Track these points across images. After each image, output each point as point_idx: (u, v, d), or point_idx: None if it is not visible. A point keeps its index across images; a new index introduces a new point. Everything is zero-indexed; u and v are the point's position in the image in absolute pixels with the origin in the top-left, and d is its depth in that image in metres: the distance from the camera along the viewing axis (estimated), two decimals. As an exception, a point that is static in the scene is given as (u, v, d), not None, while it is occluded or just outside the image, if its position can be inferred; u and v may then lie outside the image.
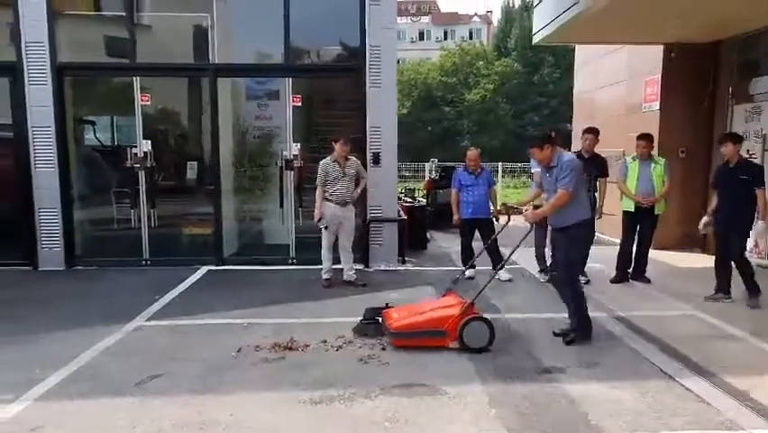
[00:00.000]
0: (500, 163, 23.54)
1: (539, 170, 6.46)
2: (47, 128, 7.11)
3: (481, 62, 41.73)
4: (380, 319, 4.73)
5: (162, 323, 5.21)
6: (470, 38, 50.77)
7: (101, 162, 8.94)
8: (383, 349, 4.44)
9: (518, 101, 40.72)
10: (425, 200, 11.66)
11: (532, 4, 39.12)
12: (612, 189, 6.81)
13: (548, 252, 6.84)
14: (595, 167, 6.66)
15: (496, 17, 50.59)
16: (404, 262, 7.76)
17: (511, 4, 44.34)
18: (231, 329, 5.01)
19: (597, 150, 6.74)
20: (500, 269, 5.61)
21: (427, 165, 17.80)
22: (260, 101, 8.43)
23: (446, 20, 54.34)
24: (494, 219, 6.98)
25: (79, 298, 6.12)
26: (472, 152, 7.00)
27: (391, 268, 7.55)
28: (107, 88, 8.37)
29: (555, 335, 4.72)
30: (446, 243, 9.81)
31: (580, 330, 4.61)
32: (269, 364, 4.20)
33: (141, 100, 7.29)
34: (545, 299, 6.06)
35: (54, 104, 7.09)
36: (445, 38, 50.79)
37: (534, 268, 7.10)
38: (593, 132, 6.67)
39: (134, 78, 7.27)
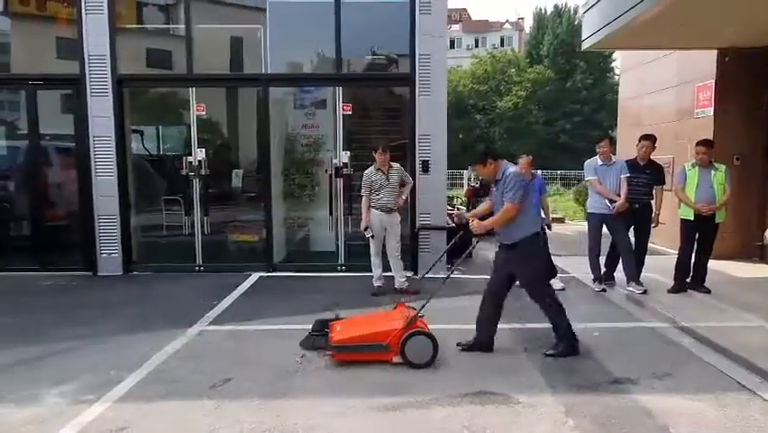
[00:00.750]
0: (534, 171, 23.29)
1: (595, 177, 6.44)
2: (107, 138, 7.34)
3: (513, 69, 41.52)
4: (327, 332, 4.53)
5: (224, 328, 5.31)
6: (502, 45, 50.61)
7: (152, 171, 9.22)
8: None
9: (551, 108, 40.34)
10: (464, 208, 11.60)
11: (565, 10, 38.14)
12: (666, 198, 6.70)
13: (603, 260, 6.78)
14: (651, 174, 6.57)
15: (527, 24, 50.24)
16: (453, 271, 7.72)
17: (543, 11, 44.08)
18: (291, 335, 5.04)
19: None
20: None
21: (465, 173, 17.72)
22: (307, 110, 8.56)
23: (477, 27, 54.26)
24: (546, 227, 6.94)
25: (139, 302, 6.28)
26: (523, 160, 6.93)
27: (441, 276, 7.51)
28: (162, 99, 8.61)
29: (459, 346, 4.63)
30: (490, 252, 9.74)
31: (563, 342, 4.49)
32: (335, 371, 4.24)
33: (197, 110, 7.47)
34: (602, 307, 5.97)
35: (114, 114, 7.31)
36: (476, 45, 50.67)
37: (583, 276, 7.01)
38: (649, 138, 6.56)
39: (190, 89, 7.45)
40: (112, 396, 3.77)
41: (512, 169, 4.46)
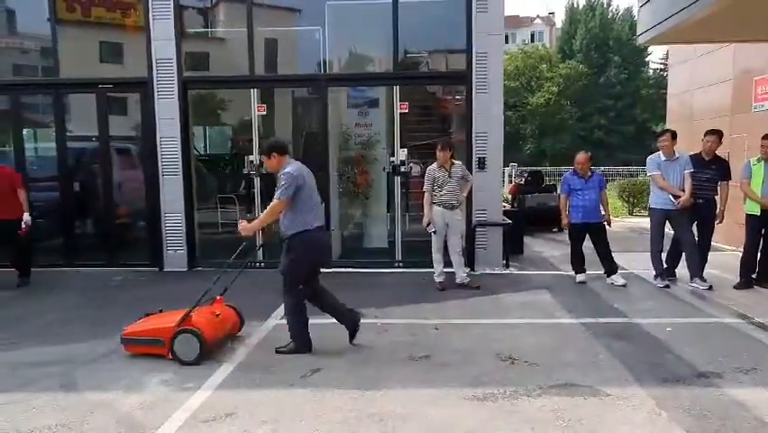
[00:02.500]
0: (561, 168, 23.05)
1: (659, 173, 6.43)
2: (173, 138, 7.61)
3: (545, 65, 41.09)
4: None
5: (300, 321, 5.46)
6: (532, 41, 50.13)
7: (209, 170, 9.50)
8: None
9: (584, 104, 39.81)
10: (508, 205, 11.65)
11: (598, 4, 37.14)
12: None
13: (664, 256, 6.76)
14: (717, 170, 6.52)
15: (559, 19, 49.63)
16: (508, 266, 7.80)
17: (576, 5, 43.44)
18: (364, 328, 5.15)
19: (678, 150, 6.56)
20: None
21: (506, 169, 17.74)
22: (360, 109, 8.70)
23: (507, 23, 53.63)
24: (606, 224, 6.95)
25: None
26: (581, 156, 6.95)
27: (496, 272, 7.61)
28: (223, 100, 8.88)
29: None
30: (539, 247, 9.79)
31: (295, 341, 4.59)
32: (417, 362, 4.36)
33: (258, 110, 7.67)
34: (669, 303, 5.97)
35: (179, 116, 7.56)
36: (506, 41, 50.22)
37: (641, 272, 7.01)
38: (716, 134, 6.51)
39: (251, 90, 7.66)
40: (211, 384, 3.96)
41: (290, 168, 4.48)
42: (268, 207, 4.58)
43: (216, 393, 3.82)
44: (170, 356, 4.33)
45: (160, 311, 4.77)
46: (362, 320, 5.35)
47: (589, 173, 6.89)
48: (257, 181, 7.81)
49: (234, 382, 4.00)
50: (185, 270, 7.79)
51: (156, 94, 7.53)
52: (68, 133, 8.01)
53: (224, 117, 10.10)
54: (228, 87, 8.10)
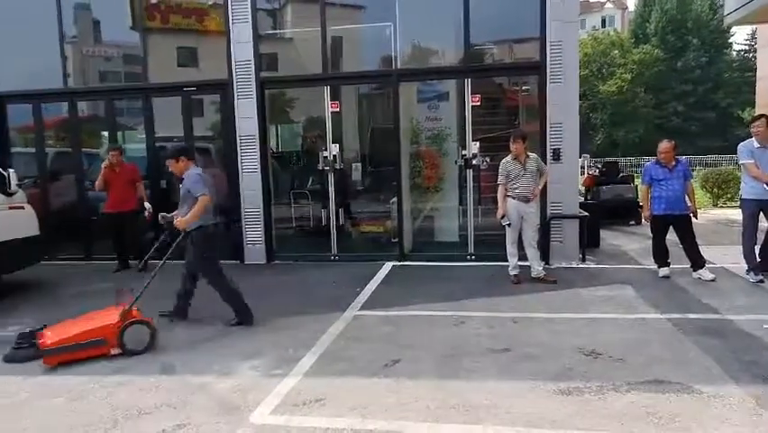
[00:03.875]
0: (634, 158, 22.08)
1: (751, 161, 6.07)
2: (252, 136, 7.93)
3: (616, 51, 39.38)
4: (35, 342, 4.50)
5: (376, 313, 5.59)
6: (603, 26, 48.12)
7: (282, 166, 9.83)
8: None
9: (660, 90, 37.88)
10: (582, 198, 11.30)
11: None
12: None
13: (758, 249, 6.37)
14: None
15: (631, 2, 47.34)
16: (584, 260, 7.59)
17: (650, -13, 41.29)
18: (441, 320, 5.25)
19: None
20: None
21: (579, 161, 17.18)
22: (430, 103, 8.72)
23: (575, 9, 51.83)
24: (692, 215, 6.63)
25: (289, 289, 6.75)
26: (665, 144, 6.64)
27: (573, 265, 7.43)
28: (295, 98, 9.16)
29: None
30: (617, 241, 9.45)
31: (240, 315, 5.23)
32: (497, 355, 4.36)
33: (331, 107, 7.86)
34: (763, 298, 5.64)
35: (258, 114, 7.87)
36: (575, 28, 48.49)
37: (731, 266, 6.64)
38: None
39: (325, 87, 7.85)
40: (298, 371, 4.14)
41: (197, 170, 5.25)
42: (196, 206, 5.01)
43: (304, 380, 3.98)
44: (115, 351, 4.49)
45: (44, 326, 4.75)
46: (440, 312, 5.46)
47: (674, 162, 6.58)
48: (331, 176, 8.00)
49: (320, 371, 4.15)
50: (263, 263, 8.11)
51: (236, 94, 7.87)
52: (155, 135, 8.51)
53: (297, 115, 10.40)
54: (303, 85, 8.33)
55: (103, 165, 7.57)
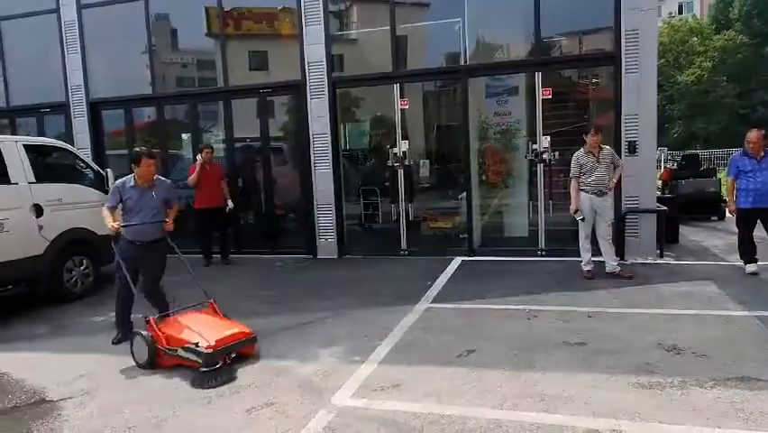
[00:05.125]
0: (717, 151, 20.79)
1: None
2: (324, 135, 8.20)
3: (696, 38, 37.19)
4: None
5: (448, 306, 5.66)
6: (680, 13, 45.56)
7: (351, 163, 10.07)
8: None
9: (744, 79, 35.41)
10: (659, 192, 10.85)
11: None
12: None
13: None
14: None
15: (712, -14, 44.51)
16: (662, 256, 7.33)
17: (734, -32, 38.69)
18: (513, 314, 5.26)
19: None
20: None
21: (656, 153, 16.50)
22: (499, 98, 8.66)
23: (649, -4, 49.36)
24: (782, 209, 6.26)
25: (362, 282, 6.93)
26: (754, 134, 6.30)
27: (650, 261, 7.19)
28: (364, 97, 9.39)
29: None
30: (697, 237, 9.04)
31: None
32: (573, 348, 4.33)
33: (401, 104, 7.99)
34: None
35: (329, 113, 8.13)
36: (650, 16, 46.23)
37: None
38: None
39: (395, 85, 7.99)
40: (374, 359, 4.29)
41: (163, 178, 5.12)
42: (173, 210, 5.12)
43: (381, 367, 4.13)
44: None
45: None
46: (511, 306, 5.47)
47: (762, 153, 6.24)
48: (400, 173, 8.13)
49: (396, 359, 4.29)
50: (335, 257, 8.37)
51: (309, 94, 8.16)
52: (234, 135, 8.97)
53: (364, 113, 10.60)
54: (373, 83, 8.49)
55: (197, 163, 7.99)
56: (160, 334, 4.33)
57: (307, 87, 8.15)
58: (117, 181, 5.06)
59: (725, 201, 6.83)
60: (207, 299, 4.86)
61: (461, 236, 8.19)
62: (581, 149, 6.45)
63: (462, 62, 7.86)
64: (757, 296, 5.47)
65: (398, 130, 8.07)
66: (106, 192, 7.10)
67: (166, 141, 9.56)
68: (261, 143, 8.95)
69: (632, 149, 7.17)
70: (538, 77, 7.48)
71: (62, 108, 9.60)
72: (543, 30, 7.45)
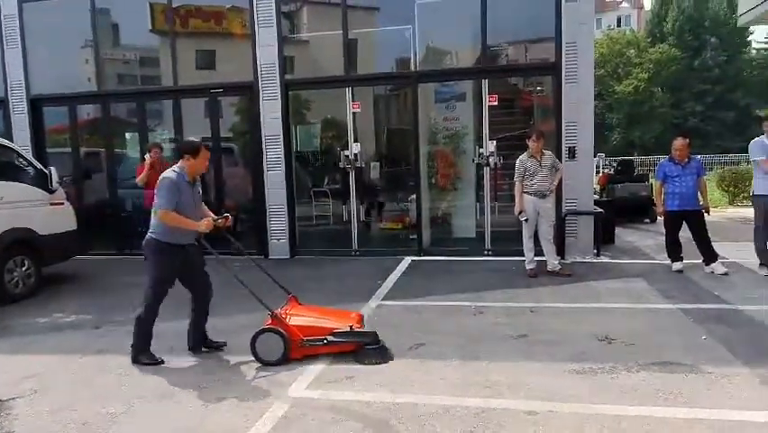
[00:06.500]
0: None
1: (764, 157, 6.25)
2: (276, 137, 8.26)
3: (633, 50, 39.26)
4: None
5: (397, 303, 5.86)
6: (619, 25, 47.93)
7: (306, 165, 10.16)
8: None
9: (677, 90, 37.65)
10: (597, 196, 11.47)
11: None
12: None
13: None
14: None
15: (647, 1, 47.07)
16: (599, 255, 7.80)
17: (667, -15, 41.04)
18: (461, 310, 5.50)
19: None
20: None
21: (594, 160, 17.33)
22: (448, 103, 8.98)
23: (591, 9, 51.62)
24: (704, 211, 6.80)
25: (314, 281, 7.01)
26: (679, 141, 6.83)
27: (587, 260, 7.63)
28: (315, 100, 9.50)
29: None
30: (631, 237, 9.62)
31: (139, 361, 4.31)
32: (516, 340, 4.60)
33: (353, 107, 8.15)
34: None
35: (282, 115, 8.19)
36: (590, 28, 48.31)
37: (744, 261, 6.81)
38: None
39: (347, 89, 8.15)
40: (327, 356, 4.41)
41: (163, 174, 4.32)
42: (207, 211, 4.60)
43: (335, 360, 4.25)
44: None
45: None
46: (459, 303, 5.71)
47: (687, 159, 6.77)
48: (352, 174, 8.29)
49: (349, 355, 4.41)
50: (287, 257, 8.43)
51: (261, 96, 8.20)
52: (184, 135, 8.86)
53: (316, 116, 10.69)
54: (326, 86, 8.64)
55: (145, 163, 7.86)
56: (292, 327, 4.25)
57: (260, 88, 8.19)
58: (170, 177, 4.22)
59: (656, 204, 7.33)
60: (288, 294, 4.73)
61: (411, 237, 8.43)
62: (525, 153, 6.80)
63: (413, 68, 8.11)
64: (681, 291, 5.94)
65: (350, 132, 8.23)
66: (50, 191, 6.94)
67: (111, 139, 9.34)
68: (212, 144, 8.87)
69: (572, 154, 7.60)
70: (485, 84, 7.82)
71: (1, 104, 9.23)
72: (489, 39, 7.81)
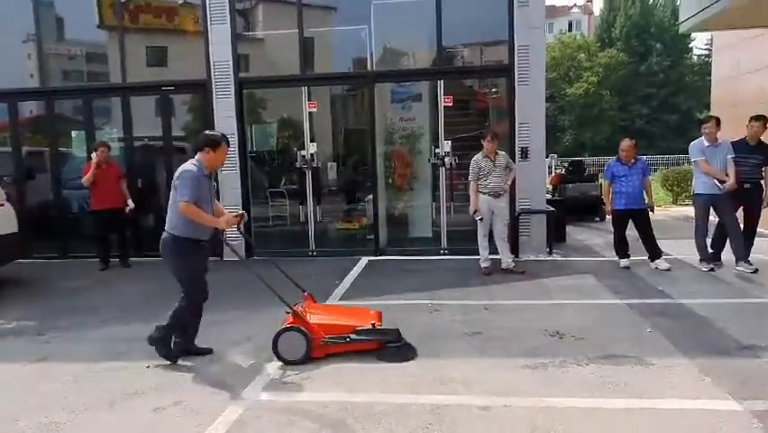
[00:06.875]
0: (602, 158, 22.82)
1: (703, 158, 6.55)
2: (230, 135, 8.05)
3: (583, 54, 40.49)
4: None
5: (354, 303, 5.83)
6: (570, 30, 49.35)
7: (262, 165, 10.02)
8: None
9: (625, 93, 39.05)
10: (549, 195, 11.78)
11: None
12: None
13: (709, 241, 6.87)
14: (762, 155, 6.59)
15: (597, 7, 48.73)
16: (551, 253, 8.01)
17: (615, -8, 42.54)
18: (417, 308, 5.55)
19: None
20: None
21: (546, 160, 17.76)
22: (404, 103, 9.03)
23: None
24: (649, 210, 7.08)
25: (271, 282, 6.89)
26: (626, 142, 7.08)
27: (540, 258, 7.83)
28: (272, 99, 9.38)
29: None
30: (582, 235, 9.92)
31: (158, 343, 4.24)
32: (471, 337, 4.68)
33: (309, 107, 8.10)
34: (714, 286, 6.11)
35: (236, 114, 8.06)
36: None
37: (686, 257, 7.13)
38: (761, 119, 6.57)
39: (303, 88, 8.08)
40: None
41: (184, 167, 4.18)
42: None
43: (291, 364, 4.22)
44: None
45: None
46: (416, 301, 5.76)
47: (633, 160, 7.03)
48: (308, 174, 8.23)
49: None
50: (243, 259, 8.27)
51: (215, 94, 8.05)
52: (134, 134, 8.61)
53: (272, 115, 10.57)
54: (281, 85, 8.54)
55: (92, 162, 7.59)
56: (314, 325, 4.19)
57: (213, 86, 8.03)
58: (190, 170, 4.08)
59: (604, 203, 7.58)
60: (303, 293, 4.72)
61: (368, 237, 8.44)
62: (479, 153, 6.91)
63: (369, 68, 8.13)
64: (628, 287, 6.17)
65: (307, 132, 8.17)
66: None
67: (56, 138, 8.96)
68: (164, 143, 8.67)
69: (524, 154, 7.78)
70: (440, 85, 7.91)
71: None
72: (445, 41, 7.91)
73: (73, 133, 9.32)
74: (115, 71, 8.50)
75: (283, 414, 3.38)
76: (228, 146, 4.32)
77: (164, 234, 4.22)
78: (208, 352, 4.46)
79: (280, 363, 4.16)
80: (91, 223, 7.94)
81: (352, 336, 4.22)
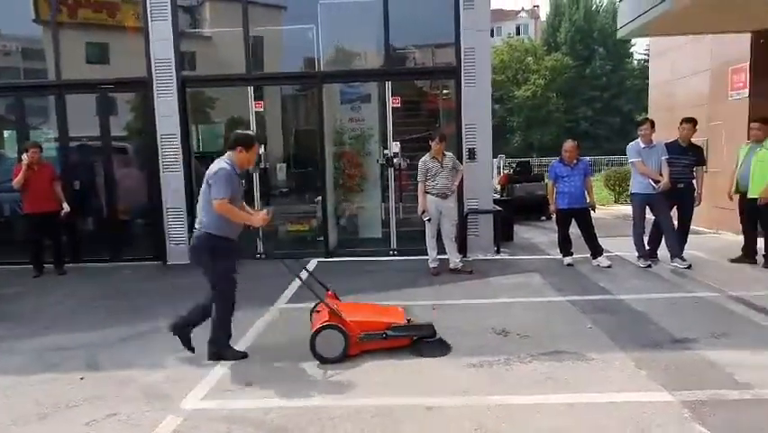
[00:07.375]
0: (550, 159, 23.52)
1: (639, 159, 6.81)
2: (173, 136, 7.87)
3: (530, 58, 41.58)
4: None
5: (301, 305, 5.68)
6: (518, 34, 50.58)
7: (207, 166, 9.74)
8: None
9: (570, 96, 40.36)
10: (498, 195, 12.01)
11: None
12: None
13: (646, 239, 7.15)
14: (693, 156, 6.91)
15: (543, 12, 50.12)
16: (499, 252, 8.15)
17: (560, -2, 43.91)
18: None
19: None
20: None
21: (495, 161, 18.09)
22: (353, 104, 9.00)
23: (492, 17, 53.96)
24: (590, 209, 7.30)
25: (271, 281, 6.75)
26: (568, 144, 7.29)
27: (488, 257, 7.96)
28: (217, 98, 9.15)
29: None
30: (528, 234, 10.16)
31: (213, 345, 4.30)
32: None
33: (256, 107, 7.95)
34: (650, 281, 6.36)
35: (179, 113, 7.82)
36: (492, 35, 50.41)
37: (626, 254, 7.42)
38: (691, 121, 6.90)
39: (248, 88, 7.92)
40: (227, 361, 4.26)
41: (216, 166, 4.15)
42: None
43: (233, 369, 4.12)
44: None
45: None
46: (364, 303, 5.72)
47: (575, 161, 7.24)
48: (256, 176, 8.08)
49: (249, 359, 4.30)
50: (187, 263, 8.03)
51: (156, 92, 7.78)
52: (69, 133, 8.22)
53: (218, 115, 10.34)
54: (226, 84, 8.35)
55: (23, 164, 7.19)
56: (350, 323, 4.14)
57: (154, 85, 7.77)
58: (225, 168, 4.07)
59: (549, 203, 7.78)
60: (327, 290, 4.71)
61: (317, 239, 8.36)
62: (427, 155, 6.96)
63: (317, 68, 8.05)
64: (571, 284, 6.34)
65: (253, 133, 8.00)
66: None
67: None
68: (102, 143, 8.30)
69: (471, 155, 7.89)
70: (388, 86, 7.92)
71: None
72: (393, 42, 7.92)
73: (5, 133, 8.83)
74: (50, 68, 8.10)
75: (222, 423, 3.28)
76: (260, 146, 4.22)
77: (197, 233, 4.26)
78: (191, 350, 4.41)
79: (223, 371, 4.06)
80: (24, 227, 7.54)
81: (389, 333, 4.23)
